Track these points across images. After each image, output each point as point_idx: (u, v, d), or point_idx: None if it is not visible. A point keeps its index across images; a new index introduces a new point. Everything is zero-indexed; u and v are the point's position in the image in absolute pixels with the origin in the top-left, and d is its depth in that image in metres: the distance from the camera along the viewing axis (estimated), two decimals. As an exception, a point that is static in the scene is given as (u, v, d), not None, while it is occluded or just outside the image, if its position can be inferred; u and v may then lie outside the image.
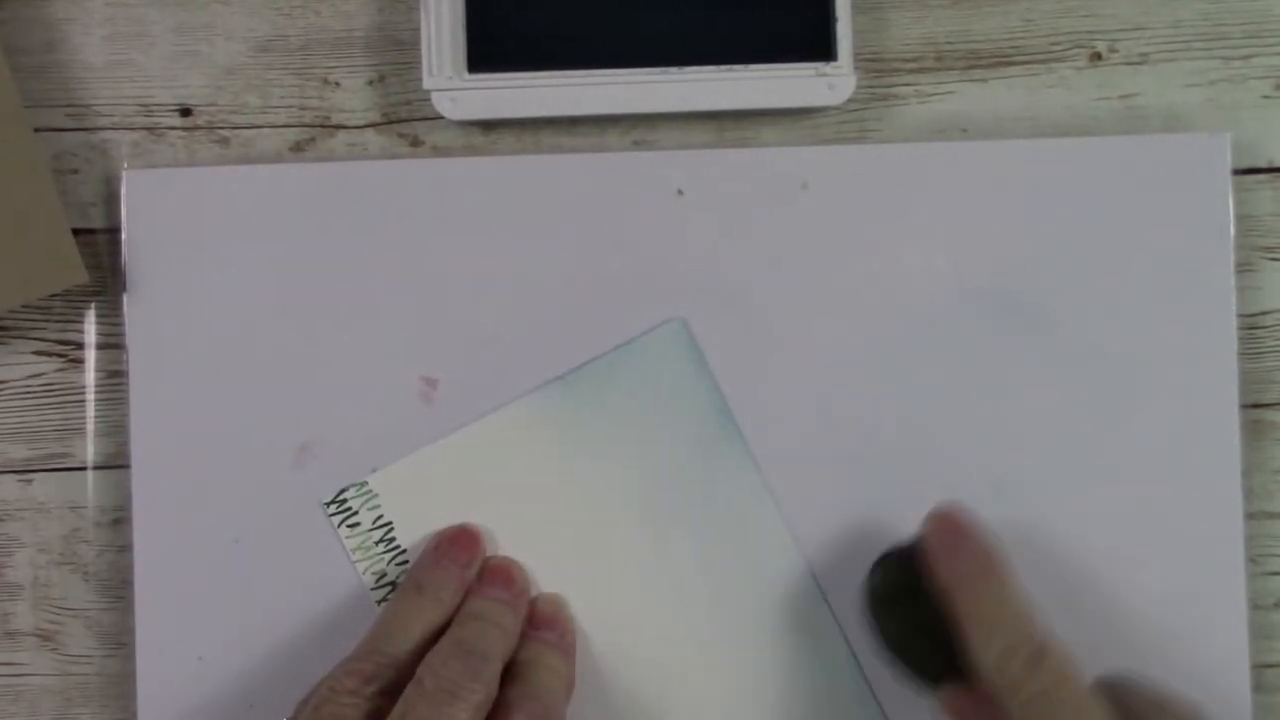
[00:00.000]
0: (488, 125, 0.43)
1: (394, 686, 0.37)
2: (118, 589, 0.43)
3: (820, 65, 0.41)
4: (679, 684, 0.42)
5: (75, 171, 0.43)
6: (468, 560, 0.41)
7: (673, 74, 0.41)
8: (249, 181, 0.42)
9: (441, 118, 0.42)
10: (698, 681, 0.42)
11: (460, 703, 0.36)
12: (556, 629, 0.41)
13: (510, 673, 0.39)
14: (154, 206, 0.42)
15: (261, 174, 0.42)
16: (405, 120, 0.43)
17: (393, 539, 0.42)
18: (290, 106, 0.43)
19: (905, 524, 0.42)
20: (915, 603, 0.38)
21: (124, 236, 0.42)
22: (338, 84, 0.43)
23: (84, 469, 0.43)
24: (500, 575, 0.41)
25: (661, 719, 0.42)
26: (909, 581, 0.38)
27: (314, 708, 0.36)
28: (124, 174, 0.42)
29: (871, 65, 0.43)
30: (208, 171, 0.42)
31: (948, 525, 0.39)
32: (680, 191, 0.42)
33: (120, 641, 0.43)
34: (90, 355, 0.43)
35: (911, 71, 0.43)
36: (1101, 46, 0.43)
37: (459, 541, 0.41)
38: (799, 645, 0.42)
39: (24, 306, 0.43)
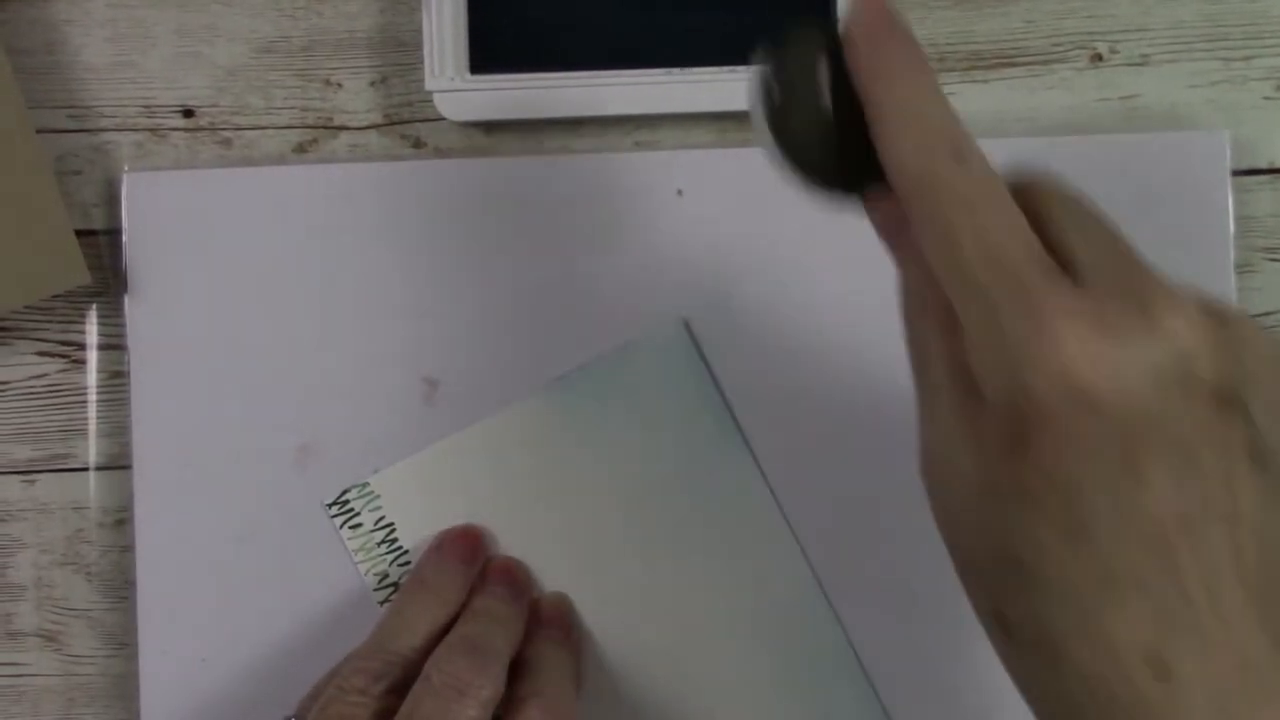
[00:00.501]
0: (489, 126, 0.43)
1: (401, 684, 0.37)
2: (120, 589, 0.43)
3: (822, 67, 0.41)
4: (679, 683, 0.42)
5: (78, 173, 0.43)
6: (470, 559, 0.41)
7: (675, 75, 0.41)
8: (249, 183, 0.42)
9: (443, 119, 0.42)
10: (698, 680, 0.42)
11: (468, 700, 0.36)
12: (563, 626, 0.41)
13: (519, 670, 0.39)
14: (154, 208, 0.42)
15: (261, 175, 0.42)
16: (407, 121, 0.43)
17: (395, 540, 0.42)
18: (293, 108, 0.43)
19: (906, 523, 0.42)
20: (819, 96, 0.31)
21: (125, 239, 0.42)
22: (340, 85, 0.43)
23: (86, 470, 0.43)
24: (503, 574, 0.41)
25: (661, 717, 0.42)
26: (814, 71, 0.31)
27: (321, 707, 0.36)
28: (124, 176, 0.42)
29: (873, 66, 0.43)
30: (207, 174, 0.42)
31: (876, 11, 0.31)
32: (680, 191, 0.42)
33: (123, 642, 0.43)
34: (92, 356, 0.43)
35: (912, 72, 0.43)
36: (1102, 47, 0.43)
37: (462, 541, 0.41)
38: (800, 644, 0.42)
39: (26, 307, 0.43)
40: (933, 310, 0.31)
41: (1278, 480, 0.27)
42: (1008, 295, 0.28)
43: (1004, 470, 0.27)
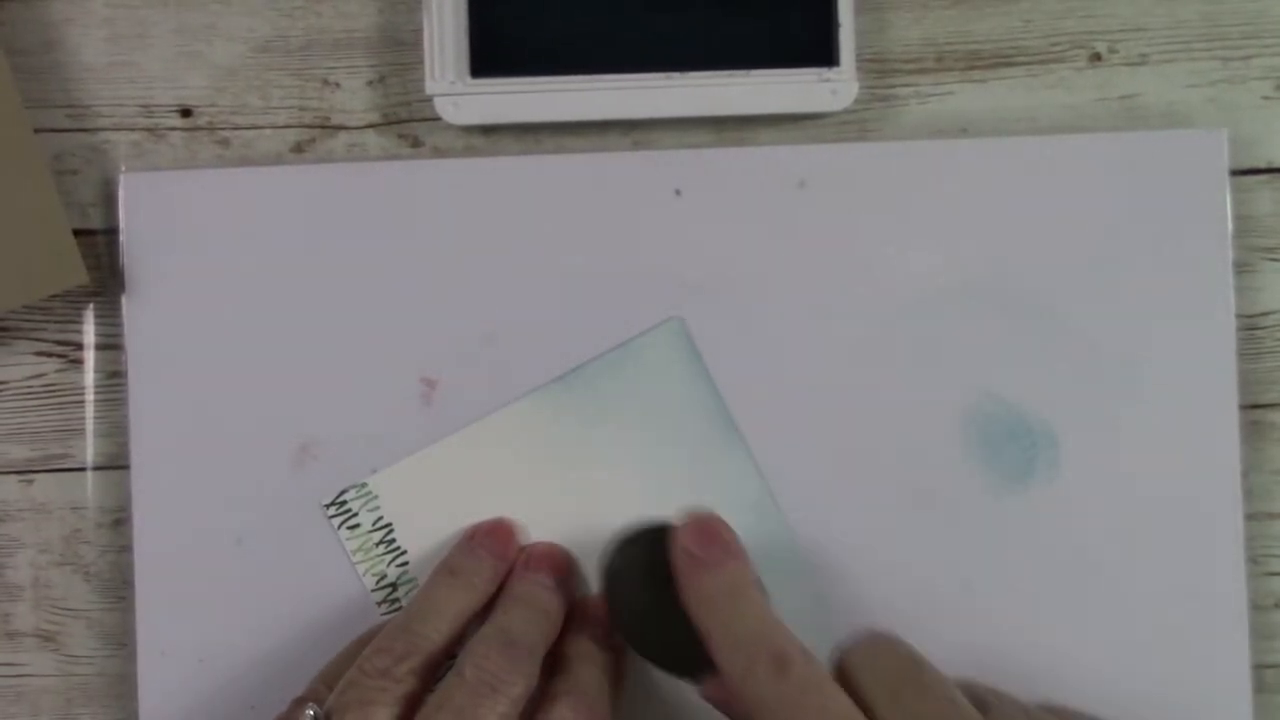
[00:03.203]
0: (488, 127, 0.43)
1: (424, 668, 0.37)
2: (119, 589, 0.43)
3: (822, 70, 0.41)
4: (679, 680, 0.42)
5: (75, 172, 0.43)
6: (502, 552, 0.40)
7: (675, 79, 0.41)
8: (246, 183, 0.42)
9: (441, 119, 0.42)
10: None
11: (500, 696, 0.35)
12: (607, 626, 0.40)
13: (557, 664, 0.39)
14: (152, 209, 0.42)
15: (258, 175, 0.42)
16: (405, 121, 0.43)
17: (393, 540, 0.42)
18: (290, 107, 0.43)
19: (904, 522, 0.42)
20: (660, 592, 0.37)
21: (122, 239, 0.42)
22: (338, 85, 0.43)
23: (84, 469, 0.43)
24: (546, 559, 0.41)
25: (660, 714, 0.42)
26: (655, 571, 0.37)
27: (341, 690, 0.36)
28: (121, 177, 0.42)
29: (871, 66, 0.43)
30: (204, 174, 0.42)
31: (701, 533, 0.37)
32: (678, 191, 0.42)
33: (121, 642, 0.43)
34: (89, 356, 0.43)
35: (911, 72, 0.43)
36: (1101, 47, 0.43)
37: (495, 534, 0.41)
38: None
39: (24, 307, 0.43)
40: None
41: None
42: None
43: None
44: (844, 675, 0.34)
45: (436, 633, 0.38)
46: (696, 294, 0.42)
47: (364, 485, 0.42)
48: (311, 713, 0.35)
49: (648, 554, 0.38)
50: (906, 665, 0.34)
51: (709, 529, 0.37)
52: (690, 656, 0.36)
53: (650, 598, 0.37)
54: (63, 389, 0.43)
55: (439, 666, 0.38)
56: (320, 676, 0.38)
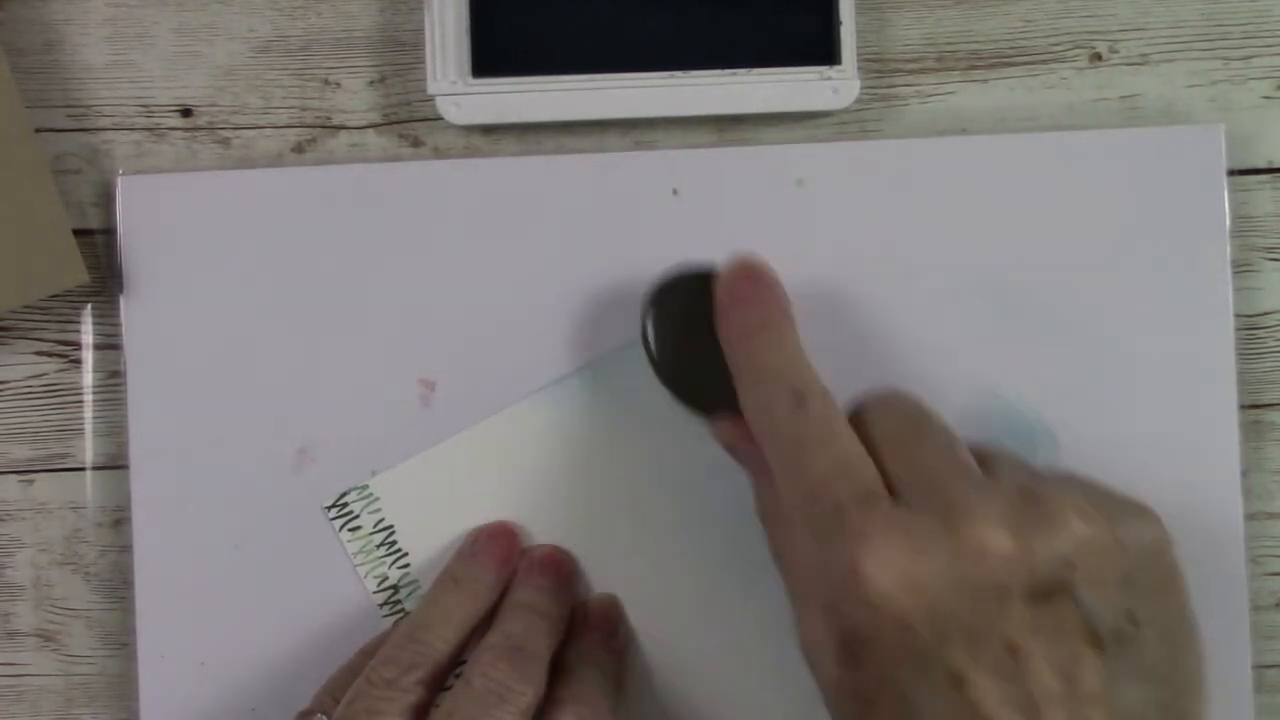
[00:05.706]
0: (488, 127, 0.43)
1: (431, 677, 0.37)
2: (119, 589, 0.43)
3: (824, 69, 0.41)
4: (679, 682, 0.42)
5: (76, 172, 0.43)
6: (504, 557, 0.40)
7: (677, 78, 0.41)
8: (245, 184, 0.42)
9: (442, 118, 0.42)
10: (698, 680, 0.42)
11: (508, 705, 0.35)
12: (609, 629, 0.40)
13: (559, 670, 0.39)
14: (150, 210, 0.42)
15: (256, 178, 0.42)
16: (406, 121, 0.43)
17: (394, 542, 0.42)
18: (291, 107, 0.43)
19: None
20: (696, 333, 0.38)
21: (120, 241, 0.42)
22: (338, 84, 0.43)
23: (84, 469, 0.43)
24: (548, 564, 0.41)
25: (660, 715, 0.42)
26: (694, 310, 0.38)
27: (349, 701, 0.36)
28: (119, 179, 0.42)
29: (872, 66, 0.43)
30: (202, 176, 0.42)
31: (743, 273, 0.38)
32: (675, 191, 0.42)
33: (122, 642, 0.43)
34: (89, 356, 0.43)
35: (912, 72, 0.43)
36: (1102, 47, 0.43)
37: (497, 538, 0.41)
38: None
39: (24, 307, 0.43)
40: (787, 523, 0.34)
41: (1119, 655, 0.30)
42: (831, 526, 0.31)
43: (846, 676, 0.31)
44: (856, 422, 0.34)
45: (442, 641, 0.38)
46: (697, 294, 0.42)
47: (365, 487, 0.42)
48: None
49: (690, 294, 0.39)
50: (915, 416, 0.35)
51: (752, 268, 0.38)
52: (718, 395, 0.37)
53: (688, 334, 0.38)
54: (62, 389, 0.43)
55: (446, 675, 0.38)
56: (324, 688, 0.38)
